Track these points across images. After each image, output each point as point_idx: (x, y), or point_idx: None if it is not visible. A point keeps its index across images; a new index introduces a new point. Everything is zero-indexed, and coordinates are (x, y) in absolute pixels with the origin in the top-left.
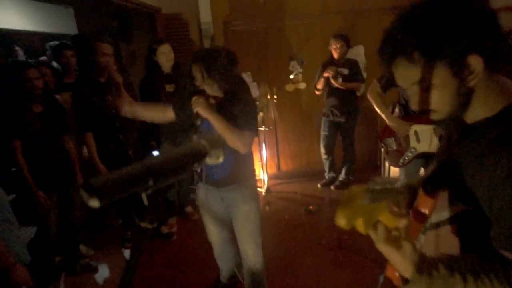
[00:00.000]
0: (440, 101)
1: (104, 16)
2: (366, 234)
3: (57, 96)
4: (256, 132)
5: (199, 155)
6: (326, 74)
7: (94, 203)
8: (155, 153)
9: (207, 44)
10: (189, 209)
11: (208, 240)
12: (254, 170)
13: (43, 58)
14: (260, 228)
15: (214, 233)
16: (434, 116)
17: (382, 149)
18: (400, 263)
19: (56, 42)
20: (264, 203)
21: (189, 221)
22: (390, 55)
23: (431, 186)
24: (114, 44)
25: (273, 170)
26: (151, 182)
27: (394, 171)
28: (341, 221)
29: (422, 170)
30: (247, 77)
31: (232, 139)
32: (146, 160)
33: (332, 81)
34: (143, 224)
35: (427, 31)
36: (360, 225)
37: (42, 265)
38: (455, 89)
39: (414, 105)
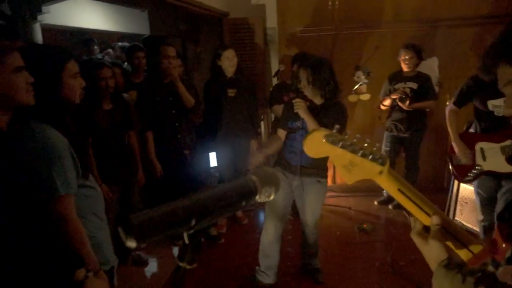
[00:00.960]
0: None
1: (175, 19)
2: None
3: (125, 95)
4: None
5: (249, 193)
6: (393, 96)
7: (131, 243)
8: (212, 154)
9: (273, 49)
10: (239, 213)
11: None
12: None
13: (108, 50)
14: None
15: (271, 229)
16: None
17: (449, 164)
18: (427, 257)
19: (126, 44)
20: None
21: (239, 225)
22: (497, 57)
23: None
24: (182, 46)
25: (328, 182)
26: (193, 222)
27: (464, 194)
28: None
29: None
30: None
31: None
32: (191, 197)
33: (399, 103)
34: (182, 264)
35: None
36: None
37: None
38: None
39: (508, 108)
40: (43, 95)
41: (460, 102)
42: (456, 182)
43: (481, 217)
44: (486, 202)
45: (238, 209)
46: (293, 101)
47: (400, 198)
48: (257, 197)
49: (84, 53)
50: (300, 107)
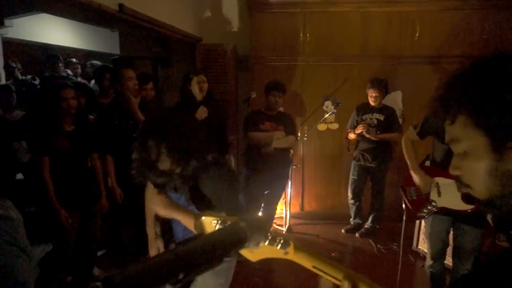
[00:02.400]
0: (472, 174)
1: (147, 40)
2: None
3: (90, 116)
4: None
5: (239, 242)
6: (358, 131)
7: None
8: None
9: (243, 76)
10: None
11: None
12: None
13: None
14: None
15: None
16: (473, 193)
17: (403, 197)
18: None
19: (98, 62)
20: None
21: None
22: (445, 110)
23: None
24: (153, 67)
25: (296, 209)
26: (181, 275)
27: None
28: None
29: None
30: None
31: None
32: (176, 249)
33: (366, 135)
34: None
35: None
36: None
37: (51, 282)
38: (491, 166)
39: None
40: None
41: (422, 133)
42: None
43: (429, 261)
44: (438, 246)
45: (227, 258)
46: None
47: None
48: (246, 245)
49: (48, 70)
50: None
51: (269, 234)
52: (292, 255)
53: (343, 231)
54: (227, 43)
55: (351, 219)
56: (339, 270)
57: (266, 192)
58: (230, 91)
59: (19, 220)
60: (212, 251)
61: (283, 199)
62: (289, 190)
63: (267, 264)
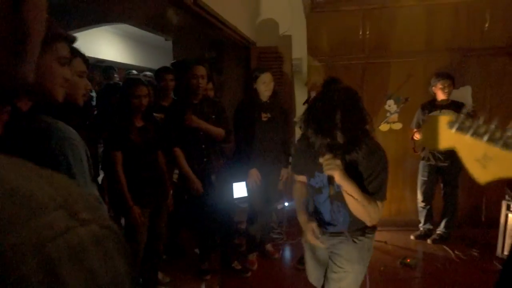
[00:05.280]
0: None
1: (200, 47)
2: None
3: (155, 114)
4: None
5: None
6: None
7: None
8: (237, 185)
9: (297, 79)
10: (269, 247)
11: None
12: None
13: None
14: None
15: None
16: None
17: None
18: None
19: (151, 73)
20: None
21: (268, 259)
22: None
23: None
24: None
25: None
26: None
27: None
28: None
29: None
30: None
31: (363, 212)
32: None
33: None
34: None
35: None
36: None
37: None
38: None
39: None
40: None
41: None
42: (504, 214)
43: None
44: None
45: None
46: (323, 161)
47: None
48: None
49: (106, 80)
50: (333, 168)
51: None
52: None
53: (412, 237)
54: (282, 46)
55: (421, 225)
56: None
57: None
58: (286, 94)
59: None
60: None
61: None
62: None
63: None
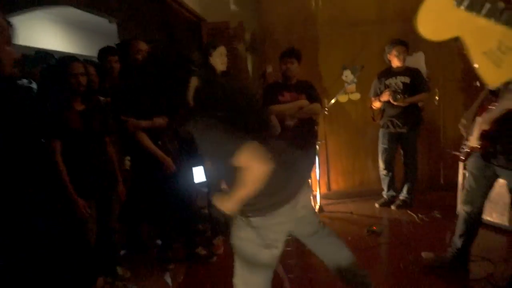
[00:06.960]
0: None
1: (147, 28)
2: None
3: (101, 98)
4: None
5: None
6: (384, 98)
7: None
8: (197, 169)
9: (250, 54)
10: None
11: None
12: None
13: None
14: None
15: None
16: None
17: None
18: None
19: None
20: None
21: None
22: None
23: None
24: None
25: (322, 189)
26: None
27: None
28: None
29: None
30: None
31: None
32: None
33: (394, 103)
34: None
35: None
36: None
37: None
38: None
39: None
40: None
41: None
42: (461, 173)
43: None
44: None
45: None
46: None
47: None
48: None
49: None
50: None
51: None
52: None
53: (376, 205)
54: (233, 21)
55: (384, 192)
56: None
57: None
58: (241, 69)
59: None
60: None
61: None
62: (317, 168)
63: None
